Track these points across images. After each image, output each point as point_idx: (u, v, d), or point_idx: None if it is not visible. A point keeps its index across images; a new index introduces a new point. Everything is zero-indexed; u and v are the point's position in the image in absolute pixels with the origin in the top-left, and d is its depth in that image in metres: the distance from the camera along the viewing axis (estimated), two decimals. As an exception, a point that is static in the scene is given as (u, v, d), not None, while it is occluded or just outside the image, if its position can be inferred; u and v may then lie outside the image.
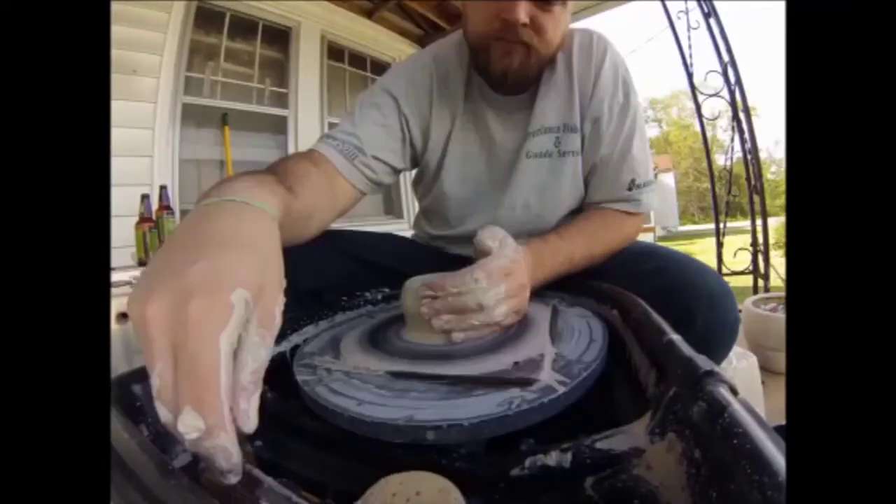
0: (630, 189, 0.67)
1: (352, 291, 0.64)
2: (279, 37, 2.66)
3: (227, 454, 0.23)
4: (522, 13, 0.56)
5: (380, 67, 3.31)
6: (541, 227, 0.70)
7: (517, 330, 0.45)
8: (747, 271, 2.18)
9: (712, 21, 2.08)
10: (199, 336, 0.23)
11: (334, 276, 0.66)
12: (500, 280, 0.44)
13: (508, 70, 0.61)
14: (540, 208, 0.71)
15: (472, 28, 0.63)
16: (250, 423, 0.25)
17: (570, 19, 0.63)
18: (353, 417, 0.33)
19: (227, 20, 2.39)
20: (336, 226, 0.68)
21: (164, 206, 1.61)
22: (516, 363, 0.38)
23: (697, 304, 0.50)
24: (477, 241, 0.49)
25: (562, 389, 0.33)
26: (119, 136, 1.88)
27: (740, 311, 1.61)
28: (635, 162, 0.66)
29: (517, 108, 0.69)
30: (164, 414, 0.24)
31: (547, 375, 0.35)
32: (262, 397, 0.42)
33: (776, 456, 0.19)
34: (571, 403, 0.34)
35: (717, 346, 0.52)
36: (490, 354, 0.40)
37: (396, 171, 0.72)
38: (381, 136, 0.67)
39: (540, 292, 0.58)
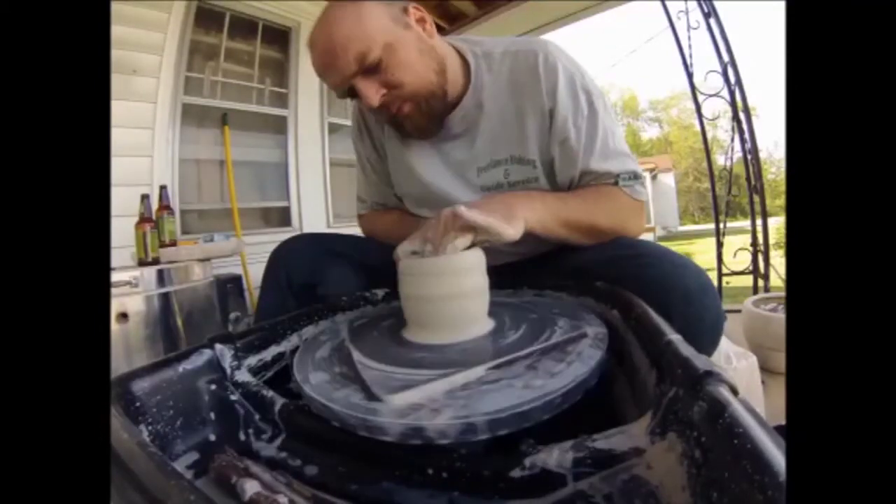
0: (616, 184, 0.65)
1: (342, 288, 0.66)
2: (279, 37, 2.66)
3: None
4: (370, 98, 0.58)
5: (380, 67, 3.30)
6: None
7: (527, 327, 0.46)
8: (747, 271, 2.18)
9: (712, 21, 2.08)
10: None
11: (325, 273, 0.68)
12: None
13: (414, 129, 0.64)
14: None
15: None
16: None
17: (429, 42, 0.61)
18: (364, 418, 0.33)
19: (227, 20, 2.40)
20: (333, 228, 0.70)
21: (164, 206, 1.61)
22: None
23: (673, 301, 0.49)
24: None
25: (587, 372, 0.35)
26: (119, 136, 1.88)
27: (739, 311, 1.62)
28: (614, 163, 0.65)
29: (460, 147, 0.68)
30: None
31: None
32: (268, 398, 0.42)
33: (776, 456, 0.19)
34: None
35: (696, 345, 0.51)
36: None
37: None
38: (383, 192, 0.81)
39: (541, 292, 0.58)
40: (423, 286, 0.46)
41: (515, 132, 0.65)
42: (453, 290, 0.45)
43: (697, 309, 0.50)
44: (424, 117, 0.63)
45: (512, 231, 0.51)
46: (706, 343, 0.52)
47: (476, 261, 0.48)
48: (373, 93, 0.58)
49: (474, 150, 0.67)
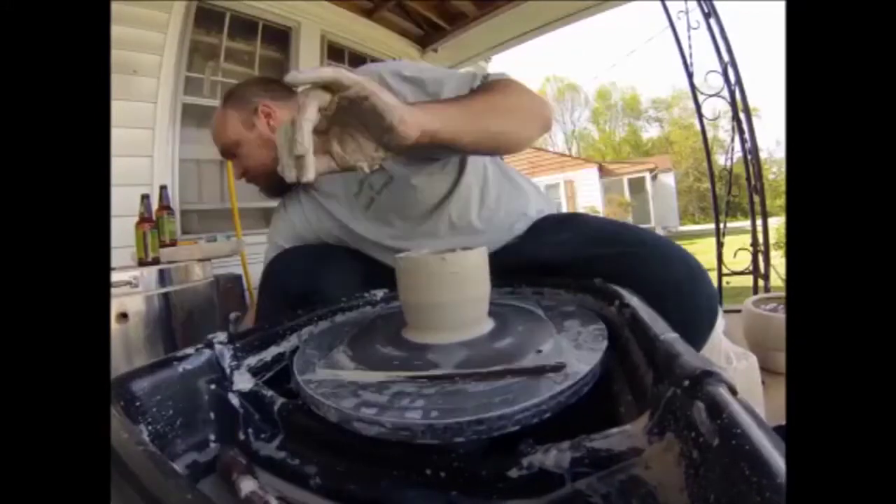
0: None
1: (338, 291, 0.66)
2: (279, 37, 2.66)
3: None
4: (237, 174, 0.85)
5: (380, 67, 3.30)
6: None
7: (525, 325, 0.46)
8: (747, 271, 2.18)
9: (712, 21, 2.07)
10: None
11: (320, 282, 0.69)
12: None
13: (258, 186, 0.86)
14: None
15: None
16: None
17: (269, 137, 0.78)
18: (357, 417, 0.33)
19: (227, 20, 2.39)
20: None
21: (164, 206, 1.61)
22: (539, 350, 0.39)
23: (666, 290, 0.49)
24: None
25: (586, 369, 0.34)
26: (119, 136, 1.88)
27: (739, 311, 1.62)
28: (452, 78, 0.64)
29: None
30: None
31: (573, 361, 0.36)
32: (267, 398, 0.42)
33: (775, 457, 0.18)
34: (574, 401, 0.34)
35: (693, 329, 0.52)
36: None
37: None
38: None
39: (540, 291, 0.58)
40: (425, 289, 0.45)
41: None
42: (454, 294, 0.45)
43: (689, 296, 0.50)
44: (269, 190, 0.86)
45: (399, 112, 0.41)
46: (704, 327, 0.52)
47: (480, 262, 0.47)
48: (237, 170, 0.84)
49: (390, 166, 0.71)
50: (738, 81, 2.06)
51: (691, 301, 0.50)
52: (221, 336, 0.47)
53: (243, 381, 0.45)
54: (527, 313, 0.50)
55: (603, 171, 12.23)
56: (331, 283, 0.69)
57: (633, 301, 0.44)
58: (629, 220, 9.80)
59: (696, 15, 2.11)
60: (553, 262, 0.60)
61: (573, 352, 0.38)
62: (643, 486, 0.26)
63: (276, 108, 0.79)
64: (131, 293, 1.31)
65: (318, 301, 0.65)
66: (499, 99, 0.56)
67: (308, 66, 2.71)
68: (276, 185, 0.83)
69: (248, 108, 0.79)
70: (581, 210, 8.61)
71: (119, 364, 1.15)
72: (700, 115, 2.19)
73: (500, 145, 0.57)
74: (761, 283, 2.13)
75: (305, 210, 0.85)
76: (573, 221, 0.71)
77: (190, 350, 0.45)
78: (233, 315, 0.72)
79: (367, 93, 0.39)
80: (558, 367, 0.35)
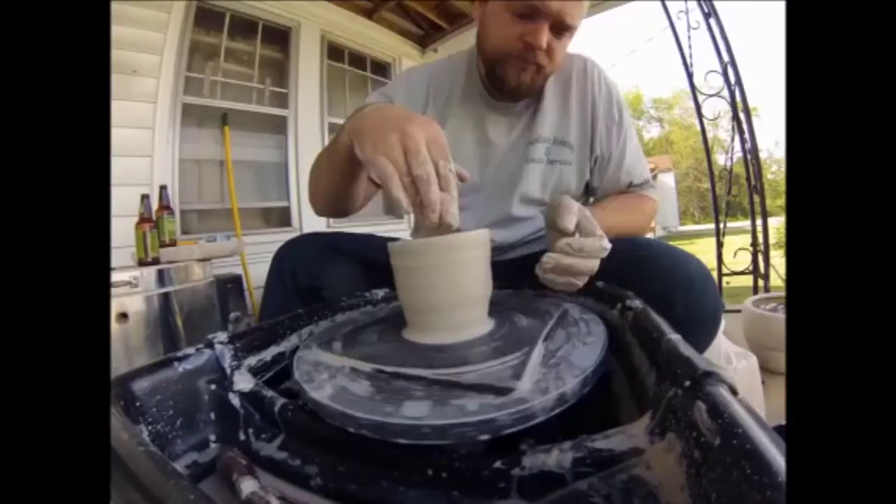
0: (629, 188, 0.78)
1: (346, 288, 0.66)
2: (279, 37, 2.66)
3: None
4: (544, 39, 0.65)
5: (380, 67, 3.31)
6: (526, 228, 0.79)
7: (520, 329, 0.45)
8: (747, 271, 2.18)
9: (712, 21, 2.08)
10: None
11: (329, 273, 0.69)
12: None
13: (521, 84, 0.70)
14: (530, 210, 0.79)
15: (493, 44, 0.70)
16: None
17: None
18: (347, 416, 0.33)
19: (227, 20, 2.40)
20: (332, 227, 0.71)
21: (164, 206, 1.61)
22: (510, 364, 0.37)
23: (676, 289, 0.50)
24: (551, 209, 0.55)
25: (534, 401, 0.31)
26: (119, 136, 1.88)
27: (739, 311, 1.62)
28: (637, 173, 0.78)
29: (517, 117, 0.77)
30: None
31: (527, 384, 0.33)
32: (268, 398, 0.42)
33: (776, 456, 0.18)
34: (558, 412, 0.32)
35: (697, 332, 0.52)
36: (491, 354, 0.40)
37: None
38: None
39: (541, 291, 0.58)
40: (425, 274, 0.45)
41: (563, 117, 0.76)
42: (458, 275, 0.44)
43: (699, 296, 0.51)
44: (531, 90, 0.73)
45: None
46: (707, 332, 0.53)
47: (481, 241, 0.47)
48: (551, 42, 0.67)
49: (533, 125, 0.76)
50: (738, 81, 2.06)
51: (702, 300, 0.51)
52: (221, 336, 0.47)
53: (244, 381, 0.45)
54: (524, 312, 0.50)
55: (603, 172, 12.16)
56: (340, 275, 0.69)
57: (636, 304, 0.44)
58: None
59: (696, 15, 2.12)
60: None
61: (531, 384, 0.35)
62: (644, 486, 0.26)
63: None
64: (131, 293, 1.31)
65: (326, 290, 0.65)
66: (634, 217, 0.77)
67: (308, 66, 2.72)
68: (541, 85, 0.74)
69: None
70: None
71: (119, 364, 1.15)
72: (700, 115, 2.19)
73: None
74: (761, 283, 2.13)
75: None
76: None
77: (190, 350, 0.44)
78: (233, 315, 0.72)
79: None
80: (504, 391, 0.33)
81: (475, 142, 0.78)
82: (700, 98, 2.17)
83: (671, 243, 0.61)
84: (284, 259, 0.71)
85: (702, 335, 0.53)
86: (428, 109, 0.78)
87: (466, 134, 0.78)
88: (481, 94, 0.77)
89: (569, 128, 0.75)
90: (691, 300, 0.50)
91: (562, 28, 0.66)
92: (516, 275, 0.64)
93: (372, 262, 0.72)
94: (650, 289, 0.48)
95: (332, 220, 2.81)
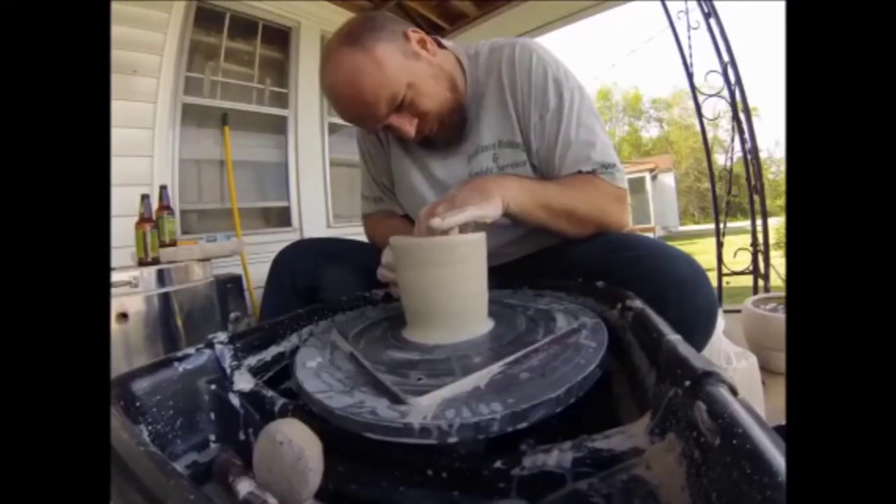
0: (593, 173, 0.66)
1: (342, 290, 0.67)
2: (279, 37, 2.66)
3: None
4: (410, 132, 0.63)
5: (380, 67, 3.29)
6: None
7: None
8: (747, 271, 2.18)
9: (712, 21, 2.07)
10: None
11: (327, 277, 0.70)
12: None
13: (427, 137, 0.66)
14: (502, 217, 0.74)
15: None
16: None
17: (436, 64, 0.64)
18: (342, 415, 0.33)
19: (227, 20, 2.39)
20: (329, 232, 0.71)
21: (164, 206, 1.61)
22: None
23: (668, 290, 0.50)
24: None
25: (413, 421, 0.31)
26: (119, 136, 1.88)
27: (739, 311, 1.62)
28: (582, 153, 0.66)
29: (456, 145, 0.71)
30: None
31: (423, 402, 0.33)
32: (268, 398, 0.42)
33: (776, 456, 0.19)
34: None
35: (692, 332, 0.51)
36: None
37: None
38: (382, 185, 0.84)
39: (541, 292, 0.58)
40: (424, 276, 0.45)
41: (503, 117, 0.68)
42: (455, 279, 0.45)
43: (692, 296, 0.51)
44: (449, 130, 0.68)
45: (491, 209, 0.53)
46: (701, 330, 0.53)
47: (478, 244, 0.47)
48: (408, 127, 0.63)
49: (473, 138, 0.70)
50: (738, 81, 2.06)
51: (695, 300, 0.51)
52: (221, 336, 0.47)
53: (244, 382, 0.45)
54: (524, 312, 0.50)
55: (603, 172, 12.19)
56: (337, 279, 0.69)
57: (636, 304, 0.44)
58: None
59: (696, 15, 2.12)
60: (573, 262, 0.61)
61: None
62: (644, 486, 0.26)
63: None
64: (131, 293, 1.31)
65: (325, 292, 0.66)
66: (578, 199, 0.65)
67: (308, 66, 2.72)
68: (459, 126, 0.69)
69: (398, 36, 0.61)
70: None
71: (119, 364, 1.15)
72: (700, 115, 2.19)
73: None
74: (761, 283, 2.13)
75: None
76: None
77: (190, 350, 0.44)
78: (233, 315, 0.72)
79: (481, 216, 0.51)
80: (399, 400, 0.33)
81: (427, 185, 0.75)
82: (700, 98, 2.17)
83: (671, 243, 0.61)
84: (282, 264, 0.72)
85: (697, 334, 0.53)
86: (392, 148, 0.78)
87: (417, 178, 0.75)
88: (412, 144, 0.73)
89: (513, 126, 0.68)
90: (684, 299, 0.50)
91: (394, 110, 0.60)
92: (510, 278, 0.64)
93: (364, 267, 0.72)
94: (644, 288, 0.48)
95: (331, 220, 2.81)
